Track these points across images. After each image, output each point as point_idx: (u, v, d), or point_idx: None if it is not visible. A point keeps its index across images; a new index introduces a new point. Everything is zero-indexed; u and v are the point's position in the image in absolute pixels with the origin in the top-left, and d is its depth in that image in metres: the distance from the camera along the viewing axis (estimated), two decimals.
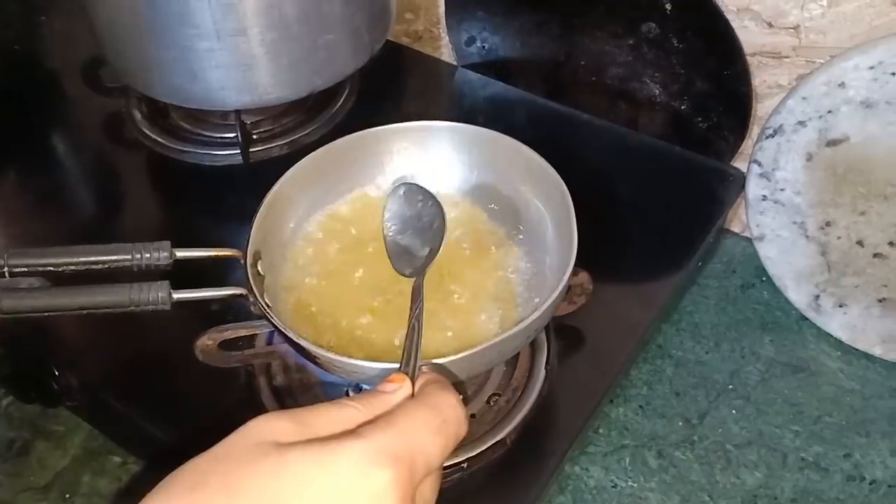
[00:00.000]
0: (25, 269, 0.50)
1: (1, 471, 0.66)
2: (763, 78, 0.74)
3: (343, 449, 0.32)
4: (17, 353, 0.65)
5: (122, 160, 0.79)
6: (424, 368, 0.42)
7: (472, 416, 0.55)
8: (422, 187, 0.59)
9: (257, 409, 0.35)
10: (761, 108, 0.75)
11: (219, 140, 0.77)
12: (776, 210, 0.72)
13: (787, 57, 0.72)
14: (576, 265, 0.50)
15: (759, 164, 0.71)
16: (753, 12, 0.71)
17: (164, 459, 0.33)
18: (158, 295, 0.50)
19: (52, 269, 0.50)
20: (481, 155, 0.60)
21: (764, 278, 0.77)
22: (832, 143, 0.67)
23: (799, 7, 0.68)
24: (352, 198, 0.61)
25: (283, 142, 0.76)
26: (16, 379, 0.65)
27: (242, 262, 0.51)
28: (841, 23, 0.67)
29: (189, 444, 0.34)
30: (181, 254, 0.52)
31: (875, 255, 0.70)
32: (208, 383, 0.57)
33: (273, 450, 0.32)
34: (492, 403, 0.56)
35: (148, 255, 0.51)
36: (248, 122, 0.76)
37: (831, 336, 0.74)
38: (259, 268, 0.52)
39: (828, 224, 0.70)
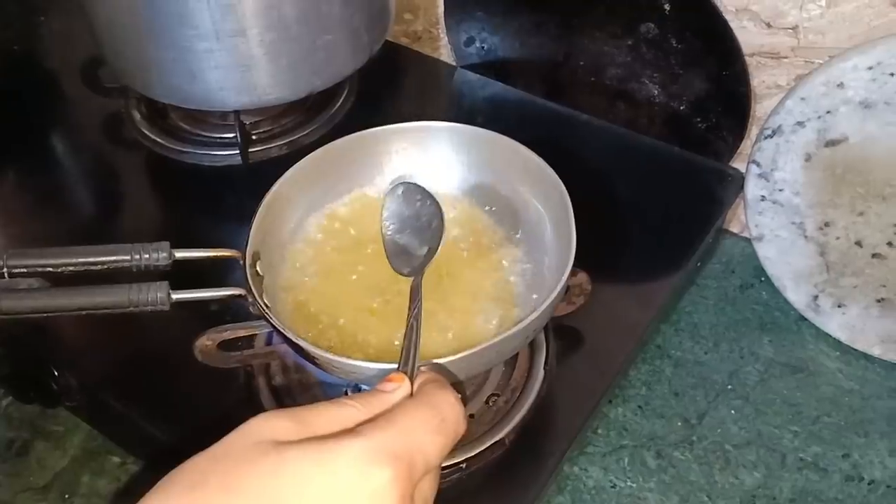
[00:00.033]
0: (24, 270, 0.50)
1: (0, 471, 0.66)
2: (762, 78, 0.74)
3: (342, 448, 0.32)
4: (17, 354, 0.65)
5: (122, 160, 0.79)
6: (423, 368, 0.42)
7: (471, 416, 0.55)
8: (420, 186, 0.59)
9: (256, 410, 0.35)
10: (760, 109, 0.75)
11: (218, 140, 0.77)
12: (775, 210, 0.72)
13: (785, 57, 0.72)
14: (574, 265, 0.50)
15: (758, 165, 0.71)
16: (752, 13, 0.71)
17: (164, 459, 0.33)
18: (157, 295, 0.50)
19: (51, 269, 0.50)
20: (480, 155, 0.60)
21: (763, 278, 0.77)
22: (831, 143, 0.67)
23: (798, 7, 0.68)
24: (351, 198, 0.61)
25: (282, 142, 0.76)
26: (15, 379, 0.65)
27: (241, 262, 0.51)
28: (839, 23, 0.67)
29: (188, 445, 0.34)
30: (180, 254, 0.52)
31: (874, 256, 0.70)
32: (207, 384, 0.57)
33: (272, 449, 0.32)
34: (490, 404, 0.56)
35: (147, 256, 0.51)
36: (248, 123, 0.76)
37: (830, 336, 0.74)
38: (258, 268, 0.52)
39: (826, 224, 0.70)
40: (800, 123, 0.67)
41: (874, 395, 0.70)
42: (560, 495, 0.64)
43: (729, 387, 0.70)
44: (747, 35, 0.71)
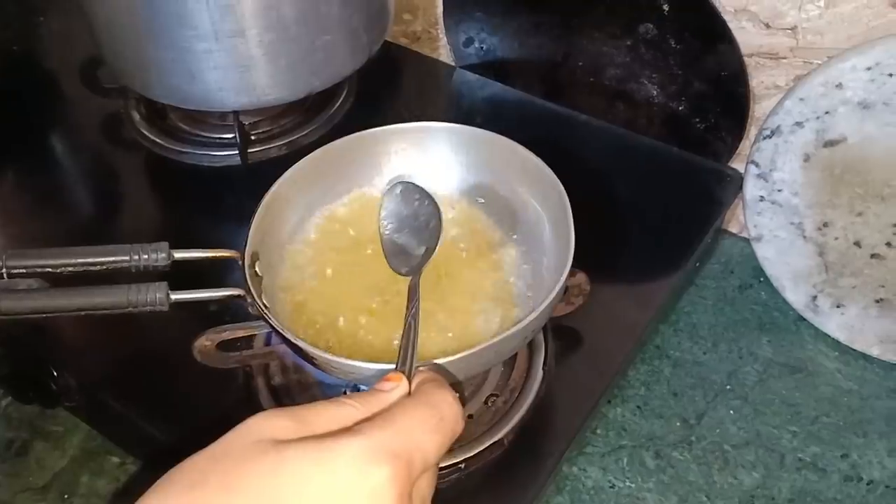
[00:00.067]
0: (24, 271, 0.50)
1: (0, 471, 0.67)
2: (760, 79, 0.74)
3: (341, 446, 0.32)
4: (16, 354, 0.65)
5: (121, 161, 0.79)
6: (422, 369, 0.42)
7: (470, 416, 0.55)
8: (418, 186, 0.59)
9: (255, 410, 0.35)
10: (759, 109, 0.75)
11: (217, 141, 0.77)
12: (774, 211, 0.72)
13: (784, 58, 0.72)
14: (573, 266, 0.50)
15: (757, 165, 0.71)
16: (751, 13, 0.71)
17: (163, 460, 0.33)
18: (156, 296, 0.50)
19: (50, 270, 0.50)
20: (479, 156, 0.60)
21: (762, 279, 0.77)
22: (829, 143, 0.67)
23: (796, 8, 0.68)
24: (350, 199, 0.61)
25: (281, 143, 0.77)
26: (14, 379, 0.65)
27: (240, 262, 0.51)
28: (838, 24, 0.67)
29: (187, 445, 0.34)
30: (179, 255, 0.52)
31: (872, 256, 0.70)
32: (206, 384, 0.57)
33: (271, 447, 0.32)
34: (489, 404, 0.56)
35: (146, 256, 0.51)
36: (247, 123, 0.76)
37: (829, 336, 0.74)
38: (257, 269, 0.52)
39: (825, 225, 0.70)
40: (798, 124, 0.67)
41: (873, 396, 0.70)
42: (559, 495, 0.64)
43: (728, 387, 0.70)
44: (746, 35, 0.72)
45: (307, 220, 0.59)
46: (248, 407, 0.55)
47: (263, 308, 0.49)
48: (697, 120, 0.77)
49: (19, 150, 0.78)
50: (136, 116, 0.79)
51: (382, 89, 0.83)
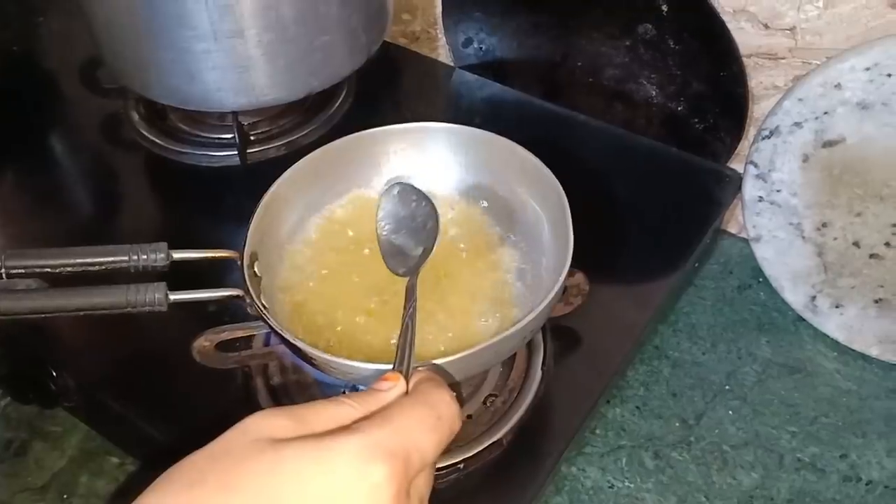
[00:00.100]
0: (22, 271, 0.50)
1: None
2: (759, 79, 0.74)
3: (339, 444, 0.32)
4: (15, 354, 0.65)
5: (120, 161, 0.79)
6: (421, 369, 0.42)
7: (469, 416, 0.55)
8: (415, 187, 0.59)
9: (254, 410, 0.35)
10: (758, 110, 0.75)
11: (216, 141, 0.77)
12: (772, 211, 0.72)
13: (783, 58, 0.72)
14: (572, 266, 0.50)
15: (756, 166, 0.71)
16: (750, 14, 0.71)
17: (162, 460, 0.33)
18: (155, 296, 0.50)
19: (49, 270, 0.50)
20: (478, 156, 0.60)
21: (760, 279, 0.77)
22: (828, 144, 0.67)
23: (795, 8, 0.69)
24: (349, 199, 0.61)
25: (280, 143, 0.77)
26: (13, 379, 0.65)
27: (239, 263, 0.51)
28: (837, 24, 0.68)
29: (186, 445, 0.34)
30: (178, 255, 0.52)
31: (871, 256, 0.70)
32: (205, 384, 0.57)
33: (270, 446, 0.32)
34: (488, 404, 0.56)
35: (145, 257, 0.51)
36: (246, 124, 0.76)
37: (828, 337, 0.74)
38: (256, 269, 0.52)
39: (824, 225, 0.70)
40: (797, 124, 0.67)
41: (872, 396, 0.70)
42: (558, 496, 0.64)
43: (727, 387, 0.70)
44: (745, 36, 0.72)
45: (306, 221, 0.59)
46: (247, 407, 0.55)
47: (262, 308, 0.49)
48: (696, 120, 0.77)
49: (19, 150, 0.78)
50: (136, 117, 0.79)
51: (381, 89, 0.83)
